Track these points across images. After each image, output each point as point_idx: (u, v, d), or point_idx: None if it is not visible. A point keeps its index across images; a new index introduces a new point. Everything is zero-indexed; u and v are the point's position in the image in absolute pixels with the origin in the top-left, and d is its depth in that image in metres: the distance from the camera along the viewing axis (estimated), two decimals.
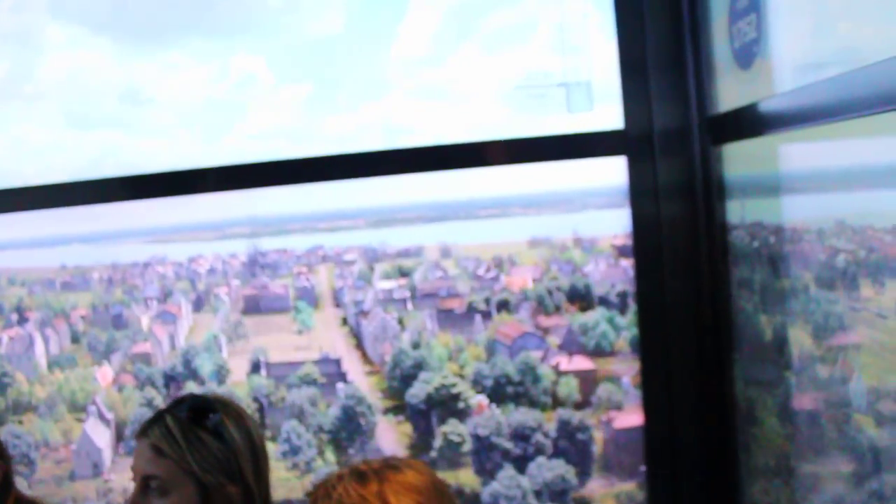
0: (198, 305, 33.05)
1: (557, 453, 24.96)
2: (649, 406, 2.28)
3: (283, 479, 23.44)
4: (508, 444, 25.25)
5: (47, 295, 32.42)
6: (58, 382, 28.13)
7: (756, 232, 2.08)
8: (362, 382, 29.03)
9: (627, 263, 29.02)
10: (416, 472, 1.37)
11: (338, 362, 29.59)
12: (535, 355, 28.01)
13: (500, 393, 27.37)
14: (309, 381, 27.90)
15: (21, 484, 2.09)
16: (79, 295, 32.43)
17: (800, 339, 1.94)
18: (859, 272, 1.72)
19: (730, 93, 2.10)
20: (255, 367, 29.24)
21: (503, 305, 30.66)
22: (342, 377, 28.63)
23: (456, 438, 25.52)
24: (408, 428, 27.30)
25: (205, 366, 28.78)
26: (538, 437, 25.27)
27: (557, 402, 27.22)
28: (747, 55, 1.99)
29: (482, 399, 27.14)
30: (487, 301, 30.74)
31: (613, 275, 30.76)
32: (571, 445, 25.15)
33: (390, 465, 1.37)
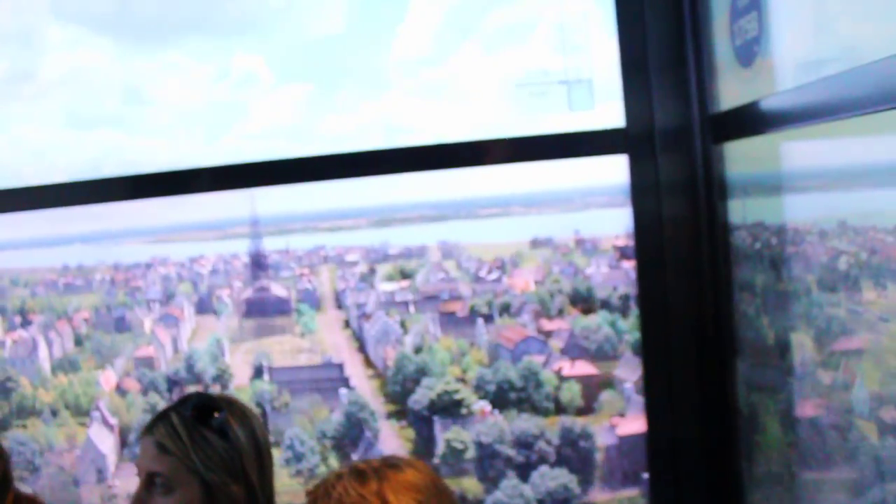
0: (200, 307, 33.06)
1: (560, 461, 24.90)
2: (652, 412, 2.27)
3: (286, 485, 23.40)
4: (511, 452, 25.21)
5: (50, 296, 32.45)
6: (61, 387, 28.14)
7: (758, 233, 2.07)
8: (365, 387, 29.01)
9: (629, 266, 29.01)
10: (415, 470, 1.37)
11: (340, 367, 29.58)
12: (538, 360, 27.99)
13: (502, 399, 27.35)
14: (312, 387, 27.93)
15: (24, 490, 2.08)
16: (81, 297, 32.45)
17: (802, 344, 1.92)
18: (861, 274, 1.70)
19: (731, 91, 2.09)
20: (258, 372, 29.24)
21: (505, 309, 30.65)
22: (345, 382, 28.62)
23: (459, 445, 25.47)
24: (411, 433, 27.26)
25: (208, 370, 28.79)
26: (541, 444, 25.22)
27: (560, 408, 27.19)
28: (749, 53, 1.98)
29: (485, 405, 27.11)
30: (489, 304, 30.73)
31: (615, 277, 30.73)
32: (574, 453, 25.10)
33: (390, 464, 1.36)
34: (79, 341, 30.32)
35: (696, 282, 2.19)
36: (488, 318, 30.25)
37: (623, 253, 30.61)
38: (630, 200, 2.17)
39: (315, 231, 38.33)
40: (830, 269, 1.80)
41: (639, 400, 22.88)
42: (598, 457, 25.22)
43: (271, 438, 1.81)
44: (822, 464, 1.87)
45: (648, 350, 2.25)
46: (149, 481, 1.68)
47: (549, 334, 29.45)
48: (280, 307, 32.75)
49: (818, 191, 1.93)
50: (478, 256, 33.76)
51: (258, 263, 33.65)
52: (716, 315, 2.19)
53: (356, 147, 2.19)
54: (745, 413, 2.16)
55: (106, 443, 25.79)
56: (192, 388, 27.15)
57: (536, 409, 27.08)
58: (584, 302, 30.32)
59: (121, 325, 30.91)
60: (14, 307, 31.21)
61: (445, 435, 25.73)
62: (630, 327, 27.62)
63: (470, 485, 24.91)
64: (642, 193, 2.17)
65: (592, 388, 27.55)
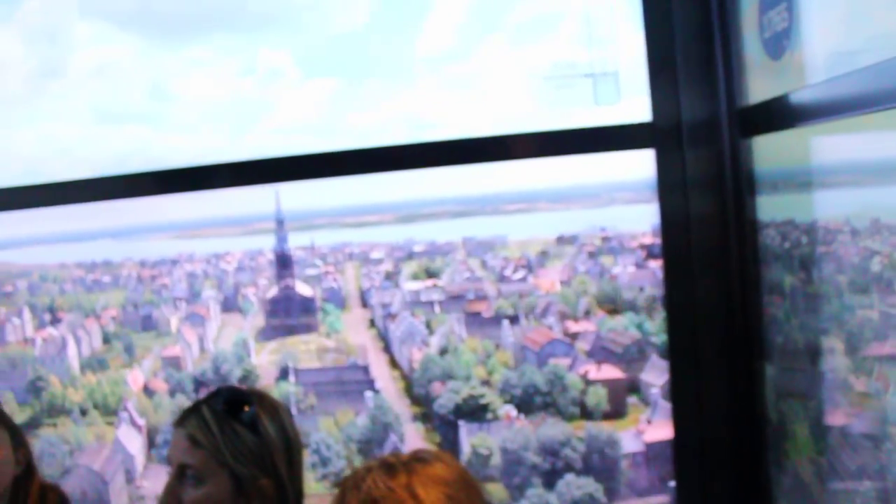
0: (226, 305, 33.31)
1: (586, 470, 24.80)
2: (679, 417, 2.23)
3: (312, 489, 23.48)
4: (537, 459, 25.15)
5: (78, 293, 32.84)
6: (90, 386, 28.47)
7: (787, 231, 2.02)
8: (390, 389, 29.08)
9: (656, 265, 28.82)
10: (444, 464, 1.36)
11: (366, 369, 29.67)
12: (563, 363, 27.89)
13: (528, 403, 27.31)
14: (338, 390, 28.05)
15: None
16: (108, 294, 32.80)
17: (833, 348, 1.88)
18: (895, 276, 1.67)
19: (760, 84, 2.05)
20: (284, 374, 29.41)
21: (531, 310, 30.60)
22: (370, 384, 28.71)
23: (484, 451, 25.45)
24: (436, 437, 27.30)
25: (234, 372, 29.01)
26: (567, 451, 25.14)
27: (586, 413, 27.08)
28: (778, 45, 1.95)
29: (510, 409, 27.08)
30: (515, 306, 30.69)
31: (642, 277, 30.57)
32: (600, 460, 25.00)
33: (419, 458, 1.35)
34: (107, 339, 30.68)
35: (724, 282, 2.14)
36: (514, 320, 30.21)
37: (650, 252, 30.44)
38: (657, 196, 2.13)
39: (340, 227, 38.51)
40: (863, 269, 1.75)
41: (665, 405, 22.73)
42: (625, 463, 25.09)
43: None
44: (853, 474, 1.82)
45: (675, 353, 2.21)
46: (180, 473, 1.70)
47: (574, 336, 29.36)
48: (305, 306, 32.92)
49: (850, 187, 1.88)
50: (503, 255, 33.69)
51: (283, 261, 33.82)
52: (744, 317, 2.14)
53: (381, 142, 2.18)
54: (773, 420, 2.12)
55: (134, 443, 26.07)
56: None
57: (562, 414, 27.00)
58: (610, 302, 30.20)
59: (148, 324, 31.25)
60: (44, 304, 31.65)
61: (471, 440, 25.74)
62: (657, 329, 27.46)
63: (495, 490, 24.88)
64: (669, 189, 2.13)
65: (619, 392, 27.42)
